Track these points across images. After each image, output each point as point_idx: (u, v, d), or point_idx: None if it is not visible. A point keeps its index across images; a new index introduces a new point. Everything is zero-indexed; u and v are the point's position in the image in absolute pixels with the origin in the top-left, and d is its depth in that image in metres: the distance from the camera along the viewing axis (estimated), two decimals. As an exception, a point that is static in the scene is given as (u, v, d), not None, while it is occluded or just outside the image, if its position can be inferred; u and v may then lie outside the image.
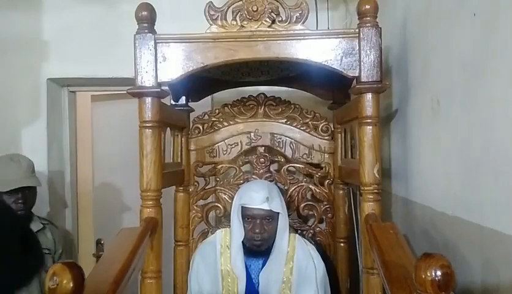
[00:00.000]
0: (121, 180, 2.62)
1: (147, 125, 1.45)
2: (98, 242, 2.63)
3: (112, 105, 2.72)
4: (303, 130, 1.96)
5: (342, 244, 1.94)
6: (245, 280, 1.67)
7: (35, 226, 2.00)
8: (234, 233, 1.67)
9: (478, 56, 1.09)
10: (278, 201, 1.65)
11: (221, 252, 1.72)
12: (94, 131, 2.84)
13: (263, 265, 1.69)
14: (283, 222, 1.68)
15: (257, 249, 1.66)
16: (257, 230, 1.61)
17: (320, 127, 1.96)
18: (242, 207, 1.64)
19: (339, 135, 1.90)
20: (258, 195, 1.62)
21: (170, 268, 1.92)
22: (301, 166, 1.97)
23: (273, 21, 1.47)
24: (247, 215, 1.63)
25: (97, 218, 2.81)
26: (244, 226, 1.64)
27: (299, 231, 1.90)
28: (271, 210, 1.61)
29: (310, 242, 1.82)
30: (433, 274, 0.74)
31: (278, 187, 1.84)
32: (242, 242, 1.66)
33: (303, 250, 1.71)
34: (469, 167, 1.14)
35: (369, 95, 1.40)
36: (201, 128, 1.98)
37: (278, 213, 1.65)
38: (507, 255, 0.96)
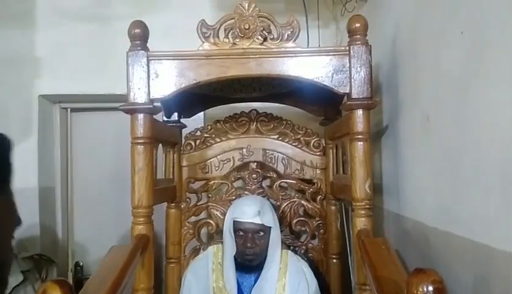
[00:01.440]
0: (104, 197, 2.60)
1: (139, 141, 1.44)
2: (77, 265, 2.53)
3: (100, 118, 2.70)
4: (295, 145, 1.97)
5: (334, 260, 1.94)
6: None
7: (14, 281, 1.92)
8: (227, 248, 1.66)
9: (466, 73, 1.11)
10: (270, 216, 1.66)
11: (213, 268, 1.71)
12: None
13: (255, 281, 1.68)
14: (275, 237, 1.68)
15: (249, 264, 1.65)
16: (249, 244, 1.61)
17: (312, 142, 1.97)
18: (234, 221, 1.64)
19: (331, 150, 1.91)
20: (250, 209, 1.62)
21: (161, 285, 1.90)
22: (293, 181, 1.97)
23: (265, 39, 1.49)
24: (239, 229, 1.63)
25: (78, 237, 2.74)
26: (235, 241, 1.64)
27: (291, 247, 1.89)
28: (262, 224, 1.62)
29: (303, 259, 1.81)
30: (425, 289, 0.75)
31: (270, 202, 1.84)
32: (234, 257, 1.65)
33: (295, 266, 1.71)
34: (460, 182, 1.15)
35: (360, 112, 1.42)
36: (193, 144, 1.98)
37: (270, 227, 1.65)
38: (498, 270, 0.96)
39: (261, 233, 1.64)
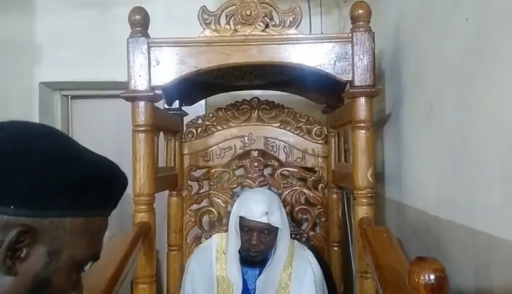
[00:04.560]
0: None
1: (141, 129, 1.44)
2: None
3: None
4: (297, 134, 1.96)
5: (335, 248, 1.94)
6: (241, 287, 1.66)
7: None
8: (231, 242, 1.66)
9: (470, 60, 1.10)
10: (278, 215, 1.62)
11: (216, 257, 1.71)
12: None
13: (260, 271, 1.68)
14: (283, 235, 1.66)
15: (252, 260, 1.65)
16: (253, 242, 1.60)
17: (314, 131, 1.96)
18: (240, 217, 1.63)
19: (333, 139, 1.90)
20: (258, 208, 1.59)
21: (163, 273, 1.91)
22: (294, 170, 1.97)
23: (266, 26, 1.48)
24: (245, 226, 1.61)
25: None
26: (241, 236, 1.63)
27: (293, 235, 1.89)
28: (269, 224, 1.60)
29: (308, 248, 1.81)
30: (427, 277, 0.74)
31: (277, 193, 1.83)
32: (238, 250, 1.64)
33: (301, 256, 1.71)
34: (462, 171, 1.14)
35: (362, 100, 1.41)
36: (194, 132, 1.98)
37: (277, 227, 1.63)
38: (500, 259, 0.96)
39: (267, 232, 1.61)
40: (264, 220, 1.58)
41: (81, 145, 0.64)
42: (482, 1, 1.05)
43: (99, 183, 0.62)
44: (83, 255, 0.62)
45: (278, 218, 1.62)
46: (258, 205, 1.60)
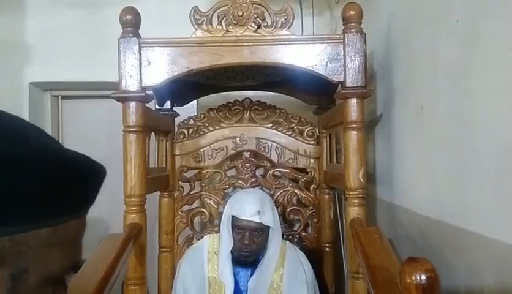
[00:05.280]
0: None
1: (132, 129, 1.43)
2: None
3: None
4: (289, 134, 1.96)
5: (327, 249, 1.94)
6: (233, 288, 1.65)
7: None
8: (223, 242, 1.65)
9: (461, 61, 1.11)
10: (270, 215, 1.63)
11: (208, 258, 1.71)
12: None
13: (252, 272, 1.68)
14: (275, 235, 1.66)
15: (244, 260, 1.65)
16: (246, 242, 1.59)
17: (306, 131, 1.97)
18: (232, 217, 1.63)
19: (324, 139, 1.91)
20: (250, 207, 1.59)
21: (154, 274, 1.90)
22: (286, 171, 1.97)
23: (258, 26, 1.48)
24: (237, 225, 1.61)
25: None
26: (233, 236, 1.62)
27: (284, 236, 1.89)
28: (261, 223, 1.59)
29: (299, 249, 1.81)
30: (418, 278, 0.74)
31: (269, 194, 1.83)
32: (231, 251, 1.64)
33: (293, 257, 1.71)
34: (453, 171, 1.15)
35: (354, 101, 1.41)
36: (186, 133, 1.97)
37: (269, 227, 1.63)
38: (491, 259, 0.97)
39: (259, 232, 1.61)
40: (256, 219, 1.58)
41: (42, 138, 0.51)
42: (472, 3, 1.06)
43: (67, 184, 0.50)
44: (58, 269, 0.51)
45: (270, 217, 1.62)
46: (251, 205, 1.60)
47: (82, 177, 0.53)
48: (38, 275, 0.48)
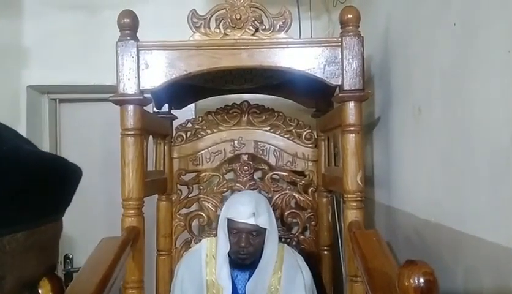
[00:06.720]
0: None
1: (130, 133, 1.43)
2: (66, 258, 2.49)
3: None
4: (287, 137, 1.96)
5: (325, 252, 1.94)
6: (230, 291, 1.64)
7: None
8: (220, 245, 1.64)
9: (458, 64, 1.11)
10: (266, 217, 1.62)
11: (206, 261, 1.70)
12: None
13: (250, 275, 1.67)
14: (271, 237, 1.65)
15: (242, 262, 1.64)
16: (242, 244, 1.59)
17: (304, 134, 1.97)
18: (228, 220, 1.62)
19: (322, 142, 1.91)
20: (245, 209, 1.59)
21: (152, 278, 1.89)
22: (284, 174, 1.97)
23: (256, 29, 1.48)
24: (233, 228, 1.61)
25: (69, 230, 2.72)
26: (229, 239, 1.62)
27: (283, 239, 1.89)
28: (257, 225, 1.59)
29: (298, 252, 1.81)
30: (416, 281, 0.74)
31: (266, 197, 1.82)
32: (228, 253, 1.64)
33: (291, 260, 1.70)
34: (451, 174, 1.15)
35: (352, 104, 1.41)
36: (184, 136, 1.97)
37: (265, 228, 1.63)
38: (489, 262, 0.97)
39: (256, 234, 1.60)
40: (251, 221, 1.58)
41: (16, 140, 0.51)
42: (469, 6, 1.06)
43: (42, 186, 0.48)
44: (34, 273, 0.50)
45: (266, 219, 1.61)
46: (245, 207, 1.60)
47: (58, 179, 0.51)
48: (15, 280, 0.47)
